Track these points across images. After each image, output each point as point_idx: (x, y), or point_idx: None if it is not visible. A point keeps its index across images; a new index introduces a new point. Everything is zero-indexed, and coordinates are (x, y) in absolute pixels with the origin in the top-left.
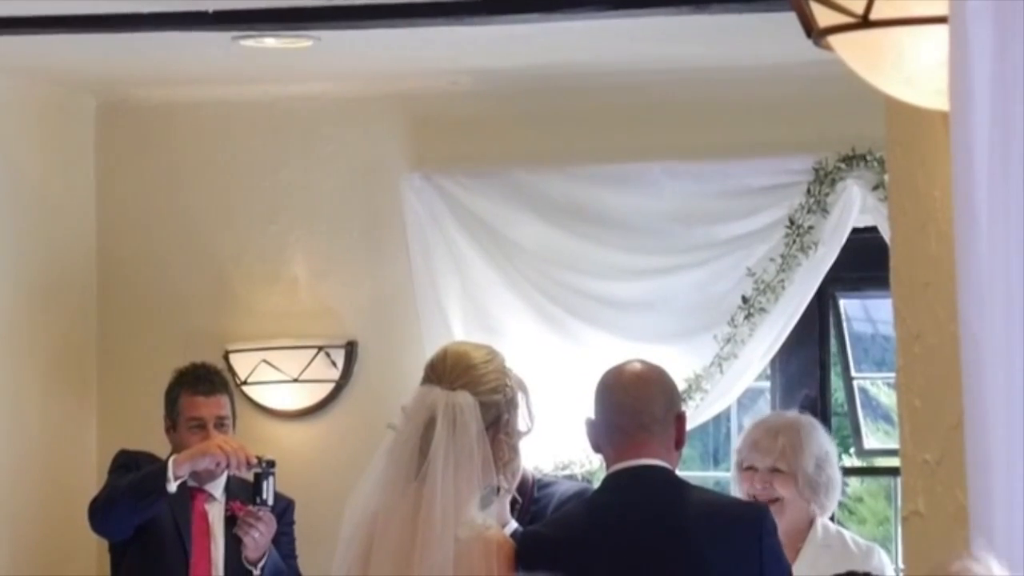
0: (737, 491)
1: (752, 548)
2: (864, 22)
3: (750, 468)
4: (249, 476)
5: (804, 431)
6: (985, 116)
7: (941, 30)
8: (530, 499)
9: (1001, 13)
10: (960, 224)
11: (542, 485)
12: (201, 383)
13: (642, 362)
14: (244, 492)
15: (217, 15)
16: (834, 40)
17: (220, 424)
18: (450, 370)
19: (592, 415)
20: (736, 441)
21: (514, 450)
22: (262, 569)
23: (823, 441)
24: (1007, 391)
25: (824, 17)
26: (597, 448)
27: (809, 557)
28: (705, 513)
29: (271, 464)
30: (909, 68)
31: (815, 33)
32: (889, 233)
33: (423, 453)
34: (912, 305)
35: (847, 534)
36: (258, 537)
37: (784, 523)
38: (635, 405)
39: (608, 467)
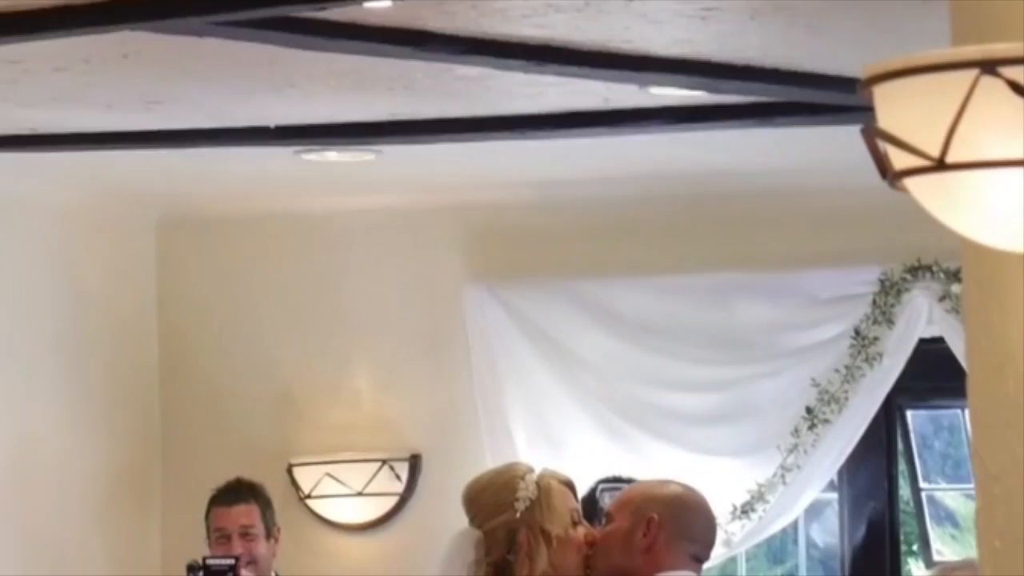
0: None
1: None
2: (940, 165)
3: None
4: None
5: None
6: None
7: (1019, 173)
8: None
9: None
10: None
11: None
12: (226, 494)
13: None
14: None
15: (279, 130)
16: (909, 182)
17: (245, 533)
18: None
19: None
20: None
21: (545, 556)
22: None
23: None
24: None
25: (899, 159)
26: (647, 549)
27: None
28: None
29: None
30: (986, 211)
31: (890, 175)
32: (967, 373)
33: None
34: (991, 446)
35: None
36: None
37: None
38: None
39: (652, 574)
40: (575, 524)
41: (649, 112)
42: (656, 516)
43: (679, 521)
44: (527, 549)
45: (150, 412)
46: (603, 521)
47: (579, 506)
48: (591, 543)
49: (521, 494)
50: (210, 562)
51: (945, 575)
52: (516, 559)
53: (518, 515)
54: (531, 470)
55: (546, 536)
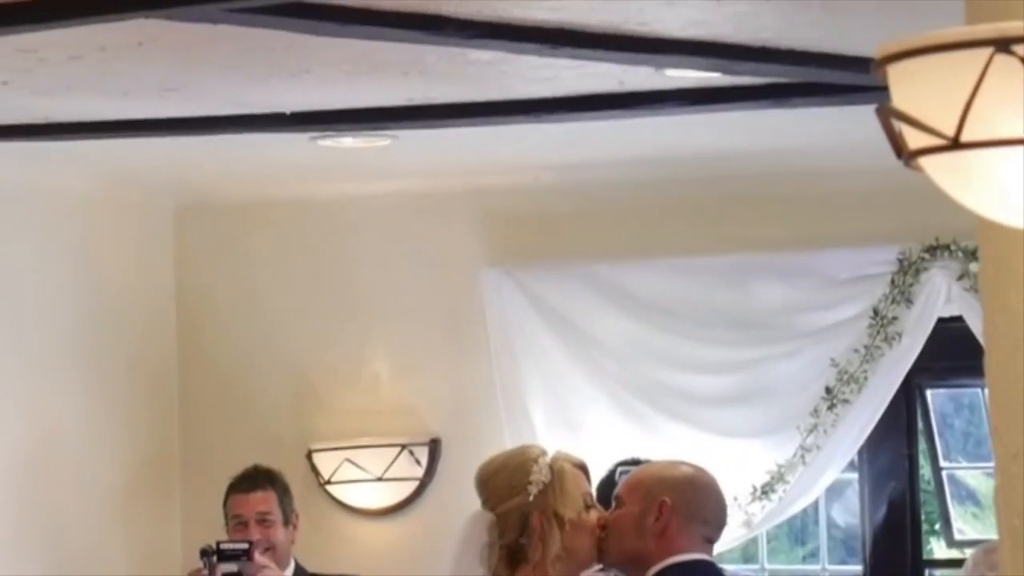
0: None
1: None
2: (955, 144)
3: None
4: None
5: None
6: None
7: None
8: None
9: None
10: None
11: None
12: (243, 481)
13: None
14: None
15: (295, 116)
16: (924, 161)
17: (262, 520)
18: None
19: (669, 500)
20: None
21: (558, 540)
22: None
23: None
24: None
25: (914, 139)
26: (660, 532)
27: None
28: None
29: None
30: (1001, 189)
31: (905, 155)
32: (985, 351)
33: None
34: (1009, 424)
35: None
36: None
37: None
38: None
39: (665, 557)
40: (588, 507)
41: (664, 94)
42: (668, 500)
43: (691, 504)
44: (540, 532)
45: (169, 400)
46: (613, 504)
47: (592, 489)
48: (604, 527)
49: (534, 477)
50: (224, 547)
51: (988, 554)
52: (529, 542)
53: (531, 498)
54: (544, 453)
55: (559, 519)
